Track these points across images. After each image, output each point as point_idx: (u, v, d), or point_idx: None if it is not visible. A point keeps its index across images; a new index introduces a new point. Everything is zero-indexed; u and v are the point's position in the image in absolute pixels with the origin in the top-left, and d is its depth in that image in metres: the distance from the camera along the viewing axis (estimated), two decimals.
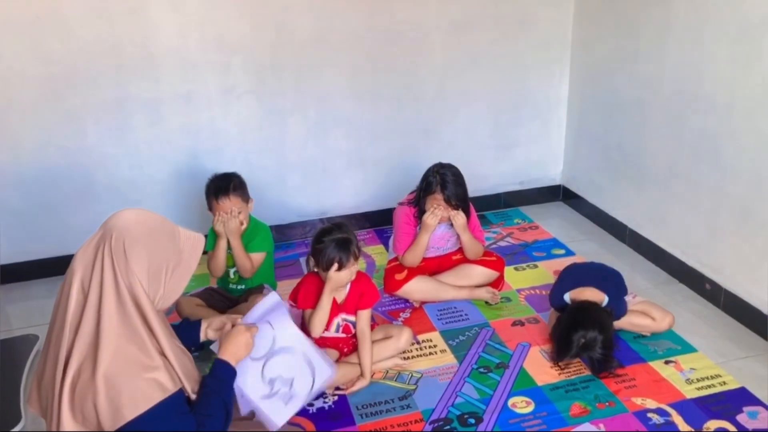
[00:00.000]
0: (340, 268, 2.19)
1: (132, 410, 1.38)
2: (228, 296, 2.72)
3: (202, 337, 1.83)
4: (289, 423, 2.08)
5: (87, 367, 1.39)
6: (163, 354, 1.47)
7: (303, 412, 2.19)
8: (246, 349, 1.69)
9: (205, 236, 2.69)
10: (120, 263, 1.40)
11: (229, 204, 2.55)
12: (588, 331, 2.27)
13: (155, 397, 1.41)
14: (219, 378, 1.61)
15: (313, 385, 1.75)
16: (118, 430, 1.38)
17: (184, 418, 1.48)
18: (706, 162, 2.72)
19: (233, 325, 1.75)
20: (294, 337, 1.79)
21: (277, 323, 1.79)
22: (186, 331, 1.83)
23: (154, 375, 1.42)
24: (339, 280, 2.22)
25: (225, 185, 2.57)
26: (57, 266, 3.17)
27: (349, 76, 3.30)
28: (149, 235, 1.46)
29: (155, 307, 1.47)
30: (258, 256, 2.66)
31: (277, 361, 1.77)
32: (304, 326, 2.33)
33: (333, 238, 2.19)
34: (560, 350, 2.35)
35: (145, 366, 1.41)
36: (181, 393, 1.48)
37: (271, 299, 1.84)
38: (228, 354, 1.66)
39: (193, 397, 1.54)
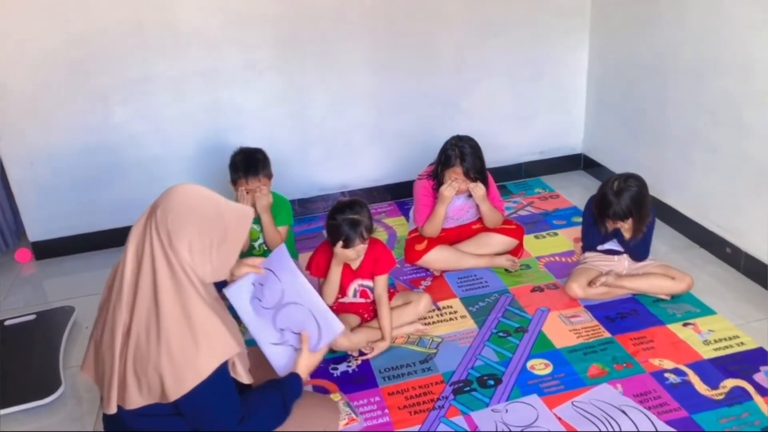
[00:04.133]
0: (346, 246, 2.25)
1: (195, 377, 1.43)
2: None
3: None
4: (314, 386, 2.17)
5: (150, 337, 1.44)
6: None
7: (327, 375, 2.28)
8: (313, 368, 1.77)
9: None
10: (165, 240, 1.44)
11: (258, 183, 2.62)
12: (622, 177, 2.44)
13: (214, 364, 1.46)
14: (287, 384, 1.67)
15: (319, 341, 1.78)
16: (181, 399, 1.44)
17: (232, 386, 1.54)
18: (726, 125, 2.71)
19: (255, 268, 1.79)
20: (301, 293, 1.79)
21: (285, 277, 1.80)
22: None
23: (213, 342, 1.47)
24: (345, 257, 2.30)
25: (254, 166, 2.63)
26: (88, 242, 3.31)
27: (368, 50, 3.33)
28: (194, 214, 1.47)
29: (207, 280, 1.51)
30: (284, 230, 2.74)
31: (286, 313, 1.79)
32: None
33: (344, 217, 2.24)
34: (599, 210, 2.47)
35: (206, 332, 1.46)
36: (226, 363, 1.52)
37: (280, 252, 1.84)
38: (302, 370, 1.72)
39: (244, 370, 1.58)
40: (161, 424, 1.53)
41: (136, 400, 1.46)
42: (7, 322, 2.66)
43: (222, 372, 1.49)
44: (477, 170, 2.66)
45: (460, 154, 2.64)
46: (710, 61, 2.73)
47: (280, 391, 1.64)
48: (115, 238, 3.31)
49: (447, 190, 2.68)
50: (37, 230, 3.25)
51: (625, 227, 2.49)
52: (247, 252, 2.77)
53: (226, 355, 1.49)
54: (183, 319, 1.44)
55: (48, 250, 3.28)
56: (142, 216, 1.50)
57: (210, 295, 1.53)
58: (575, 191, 3.62)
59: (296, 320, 1.77)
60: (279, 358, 1.76)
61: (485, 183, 2.74)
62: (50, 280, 3.13)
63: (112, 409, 1.49)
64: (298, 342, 1.75)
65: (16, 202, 3.20)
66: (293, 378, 1.69)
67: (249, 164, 2.64)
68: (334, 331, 1.77)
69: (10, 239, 3.30)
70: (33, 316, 2.69)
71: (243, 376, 1.58)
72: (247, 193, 2.64)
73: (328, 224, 2.30)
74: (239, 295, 1.79)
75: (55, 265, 3.24)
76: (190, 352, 1.43)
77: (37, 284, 3.11)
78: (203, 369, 1.45)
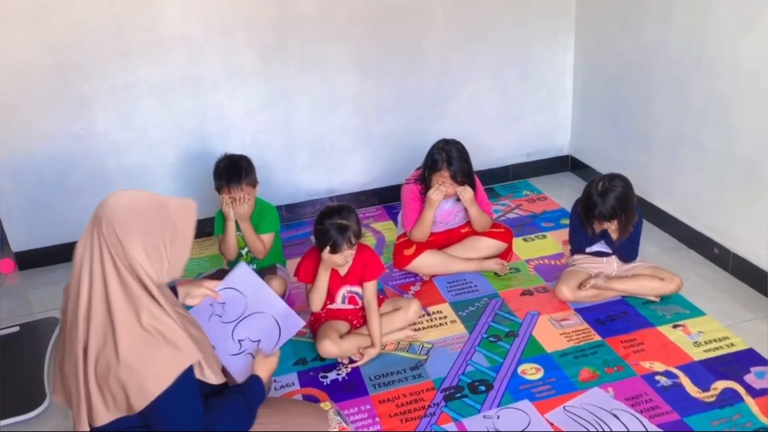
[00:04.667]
0: (333, 252, 2.23)
1: (158, 385, 1.42)
2: None
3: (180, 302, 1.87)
4: (304, 395, 2.15)
5: (108, 352, 1.42)
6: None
7: (317, 384, 2.26)
8: (272, 370, 1.79)
9: (214, 218, 2.78)
10: (116, 250, 1.42)
11: (241, 193, 2.59)
12: (606, 177, 2.45)
13: (175, 371, 1.44)
14: (249, 387, 1.68)
15: (278, 341, 1.88)
16: (146, 408, 1.42)
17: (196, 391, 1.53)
18: (713, 126, 2.71)
19: (212, 293, 1.87)
20: (266, 301, 1.91)
21: (250, 291, 1.91)
22: None
23: (172, 349, 1.45)
24: (332, 262, 2.28)
25: (236, 174, 2.59)
26: (73, 251, 3.25)
27: (353, 53, 3.31)
28: (138, 216, 1.46)
29: (164, 280, 1.50)
30: (268, 237, 2.71)
31: (247, 323, 1.88)
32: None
33: (332, 222, 2.23)
34: (584, 211, 2.48)
35: (164, 339, 1.45)
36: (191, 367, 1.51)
37: (241, 270, 1.94)
38: (262, 373, 1.74)
39: (212, 371, 1.57)
40: None
41: (103, 416, 1.44)
42: None
43: (185, 379, 1.47)
44: (464, 174, 2.65)
45: (447, 158, 2.62)
46: (696, 61, 2.74)
47: (243, 395, 1.64)
48: None
49: (434, 194, 2.66)
50: (19, 240, 3.20)
51: (612, 228, 2.49)
52: (235, 260, 2.73)
53: (187, 361, 1.47)
54: (139, 330, 1.42)
55: (31, 260, 3.23)
56: (84, 232, 1.47)
57: (167, 300, 1.51)
58: (563, 193, 3.62)
59: (256, 327, 1.87)
60: (238, 366, 1.82)
61: (473, 186, 2.73)
62: (34, 291, 3.08)
63: (84, 428, 1.47)
64: (254, 348, 1.82)
65: None
66: (254, 380, 1.70)
67: (231, 172, 2.60)
68: (295, 326, 1.89)
69: None
70: (17, 328, 2.65)
71: (212, 377, 1.57)
72: (231, 201, 2.61)
73: (315, 229, 2.29)
74: (199, 313, 1.86)
75: (39, 275, 3.20)
76: (149, 362, 1.42)
77: (20, 295, 3.06)
78: (165, 377, 1.43)
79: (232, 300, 1.88)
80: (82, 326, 1.45)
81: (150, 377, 1.42)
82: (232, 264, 2.80)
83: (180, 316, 1.53)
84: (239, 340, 1.85)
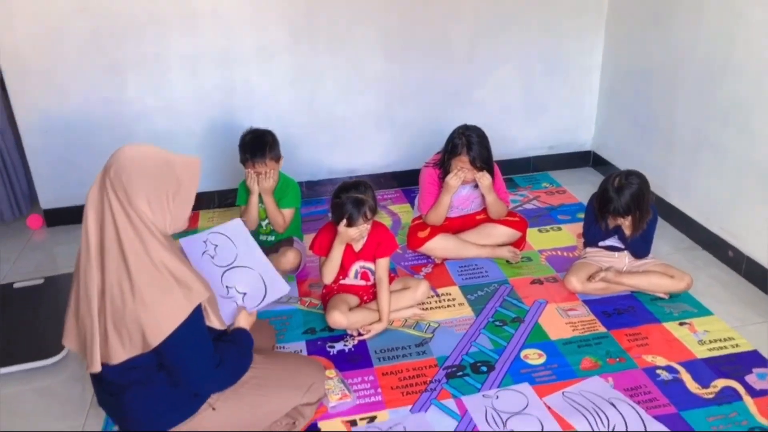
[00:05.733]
0: (349, 225, 2.28)
1: (172, 322, 1.52)
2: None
3: None
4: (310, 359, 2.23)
5: (124, 292, 1.51)
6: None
7: (324, 353, 2.32)
8: (251, 325, 1.91)
9: (237, 189, 2.85)
10: (123, 198, 1.51)
11: (265, 167, 2.65)
12: (623, 174, 2.45)
13: (188, 308, 1.55)
14: (240, 336, 1.81)
15: (263, 300, 1.97)
16: (161, 345, 1.52)
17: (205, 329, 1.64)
18: (735, 128, 2.71)
19: None
20: (255, 259, 1.99)
21: (241, 245, 1.99)
22: None
23: (184, 288, 1.55)
24: (348, 236, 2.33)
25: (261, 149, 2.65)
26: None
27: (381, 37, 3.35)
28: (144, 169, 1.54)
29: (167, 231, 1.60)
30: (289, 212, 2.77)
31: (235, 273, 1.96)
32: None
33: (349, 196, 2.28)
34: (600, 206, 2.49)
35: (176, 279, 1.54)
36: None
37: (236, 224, 2.02)
38: (244, 325, 1.86)
39: (215, 315, 1.68)
40: (146, 376, 1.60)
41: (119, 354, 1.54)
42: (16, 285, 2.73)
43: (197, 316, 1.57)
44: (483, 160, 2.68)
45: (467, 143, 2.65)
46: (723, 63, 2.73)
47: (237, 340, 1.78)
48: None
49: (453, 179, 2.70)
50: (49, 198, 3.32)
51: (626, 224, 2.51)
52: (256, 230, 2.80)
53: (198, 299, 1.56)
54: (152, 269, 1.52)
55: (59, 217, 3.34)
56: (95, 181, 1.57)
57: (172, 246, 1.60)
58: (582, 188, 3.62)
59: (244, 281, 1.95)
60: (225, 309, 1.88)
61: (491, 173, 2.76)
62: (60, 247, 3.19)
63: (97, 368, 1.56)
64: (241, 301, 1.91)
65: (30, 170, 3.26)
66: (243, 332, 1.83)
67: (256, 147, 2.66)
68: (280, 290, 1.98)
69: (23, 205, 3.36)
70: (41, 280, 2.75)
71: (215, 322, 1.67)
72: (256, 174, 2.67)
73: (332, 203, 2.34)
74: (193, 246, 1.94)
75: (64, 232, 3.31)
76: (164, 299, 1.51)
77: (47, 250, 3.17)
78: (178, 314, 1.52)
79: (224, 246, 1.96)
80: (96, 269, 1.53)
81: (164, 315, 1.51)
82: (252, 234, 2.86)
83: (185, 262, 1.61)
84: (227, 286, 1.93)
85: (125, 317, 1.51)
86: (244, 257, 1.98)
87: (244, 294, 1.95)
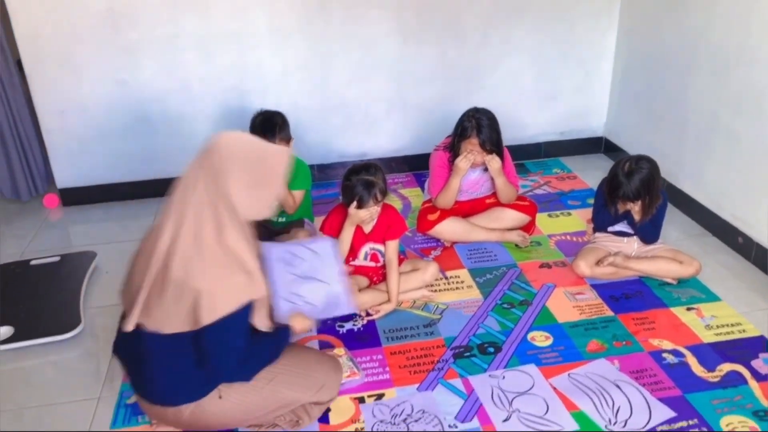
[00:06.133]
0: (359, 207, 2.31)
1: (227, 305, 1.58)
2: (270, 228, 2.87)
3: None
4: (320, 342, 2.26)
5: (191, 264, 1.56)
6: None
7: (333, 332, 2.36)
8: (303, 331, 1.98)
9: None
10: (217, 180, 1.58)
11: None
12: (633, 159, 2.45)
13: (244, 298, 1.61)
14: (280, 332, 1.84)
15: (324, 313, 2.06)
16: (211, 324, 1.57)
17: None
18: (747, 115, 2.70)
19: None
20: (334, 278, 2.06)
21: (327, 264, 2.06)
22: None
23: (248, 278, 1.61)
24: (358, 218, 2.35)
25: (271, 130, 2.68)
26: (113, 192, 3.41)
27: (394, 21, 3.35)
28: (239, 154, 1.62)
29: (251, 216, 1.66)
30: (299, 194, 2.80)
31: (308, 284, 2.01)
32: None
33: (360, 178, 2.30)
34: (609, 190, 2.50)
35: (242, 266, 1.60)
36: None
37: (327, 242, 2.13)
38: (296, 328, 1.91)
39: (263, 317, 1.73)
40: (177, 347, 1.64)
41: (166, 322, 1.59)
42: (33, 262, 2.79)
43: (247, 309, 1.62)
44: (493, 142, 2.69)
45: (477, 126, 2.66)
46: (737, 49, 2.71)
47: (274, 340, 1.81)
48: (139, 190, 3.42)
49: (462, 161, 2.71)
50: (65, 178, 3.37)
51: (635, 209, 2.51)
52: None
53: (257, 294, 1.63)
54: (225, 252, 1.58)
55: (74, 197, 3.40)
56: (193, 161, 1.64)
57: (250, 238, 1.65)
58: (593, 174, 3.62)
59: (314, 292, 2.00)
60: (281, 311, 1.92)
61: (501, 157, 2.77)
62: (75, 226, 3.25)
63: (131, 327, 1.63)
64: (303, 307, 1.96)
65: (47, 150, 3.31)
66: (285, 329, 1.86)
67: (266, 128, 2.69)
68: (345, 309, 2.05)
69: (40, 185, 3.42)
70: (57, 258, 2.81)
71: (260, 322, 1.71)
72: None
73: (343, 185, 2.36)
74: (272, 251, 1.99)
75: (80, 212, 3.36)
76: (226, 282, 1.57)
77: (62, 229, 3.23)
78: (235, 300, 1.58)
79: (307, 259, 2.04)
80: (168, 234, 1.58)
81: (223, 297, 1.57)
82: None
83: (255, 258, 1.66)
84: (293, 293, 1.97)
85: (184, 290, 1.56)
86: (325, 275, 2.04)
87: (311, 305, 2.01)
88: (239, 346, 1.67)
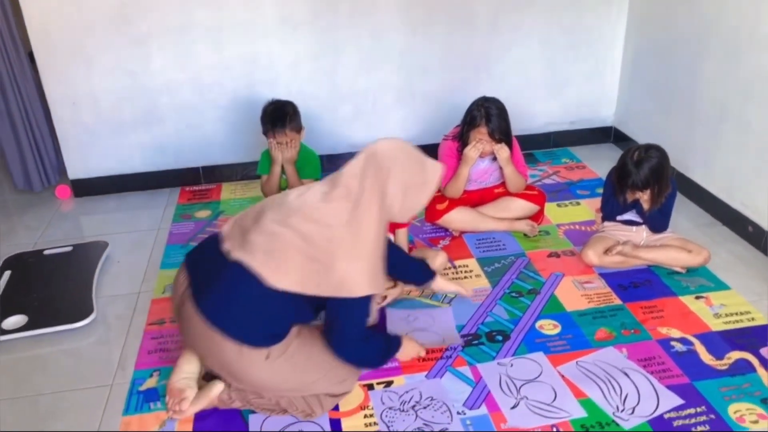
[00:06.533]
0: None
1: (368, 287, 1.75)
2: None
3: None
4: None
5: (345, 241, 1.73)
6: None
7: None
8: (410, 356, 2.11)
9: (259, 159, 2.90)
10: (379, 177, 1.76)
11: (285, 138, 2.70)
12: (643, 147, 2.46)
13: (371, 289, 1.76)
14: (393, 339, 2.06)
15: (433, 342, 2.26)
16: (335, 299, 1.74)
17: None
18: (758, 103, 2.68)
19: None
20: (442, 317, 2.39)
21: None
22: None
23: (378, 269, 1.79)
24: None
25: (281, 118, 2.71)
26: (124, 183, 3.44)
27: (403, 10, 3.35)
28: (401, 157, 1.81)
29: (396, 218, 1.85)
30: (310, 183, 2.81)
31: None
32: None
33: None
34: (618, 179, 2.50)
35: (381, 262, 1.79)
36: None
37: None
38: (407, 347, 2.08)
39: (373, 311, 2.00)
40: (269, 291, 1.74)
41: (294, 281, 1.72)
42: (46, 252, 2.82)
43: (370, 298, 1.81)
44: (502, 131, 2.69)
45: (486, 115, 2.66)
46: (749, 35, 2.69)
47: (386, 341, 2.04)
48: (150, 180, 3.45)
49: (471, 151, 2.72)
50: (76, 168, 3.40)
51: (644, 198, 2.51)
52: None
53: (380, 289, 1.85)
54: (378, 239, 1.77)
55: (86, 188, 3.43)
56: (357, 159, 1.83)
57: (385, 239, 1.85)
58: (602, 163, 3.61)
59: (431, 319, 2.36)
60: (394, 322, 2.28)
61: (510, 146, 2.77)
62: (87, 217, 3.28)
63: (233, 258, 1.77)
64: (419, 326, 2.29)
65: (59, 141, 3.34)
66: (397, 341, 2.05)
67: (277, 117, 2.71)
68: (451, 341, 2.26)
69: (52, 176, 3.46)
70: (70, 248, 2.84)
71: (372, 315, 1.97)
72: (278, 145, 2.72)
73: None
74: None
75: (92, 202, 3.39)
76: (372, 265, 1.76)
77: (74, 219, 3.26)
78: (363, 287, 1.74)
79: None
80: (321, 200, 1.79)
81: (366, 278, 1.75)
82: None
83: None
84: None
85: (333, 259, 1.71)
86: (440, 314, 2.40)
87: (420, 328, 2.29)
88: (363, 324, 1.85)
